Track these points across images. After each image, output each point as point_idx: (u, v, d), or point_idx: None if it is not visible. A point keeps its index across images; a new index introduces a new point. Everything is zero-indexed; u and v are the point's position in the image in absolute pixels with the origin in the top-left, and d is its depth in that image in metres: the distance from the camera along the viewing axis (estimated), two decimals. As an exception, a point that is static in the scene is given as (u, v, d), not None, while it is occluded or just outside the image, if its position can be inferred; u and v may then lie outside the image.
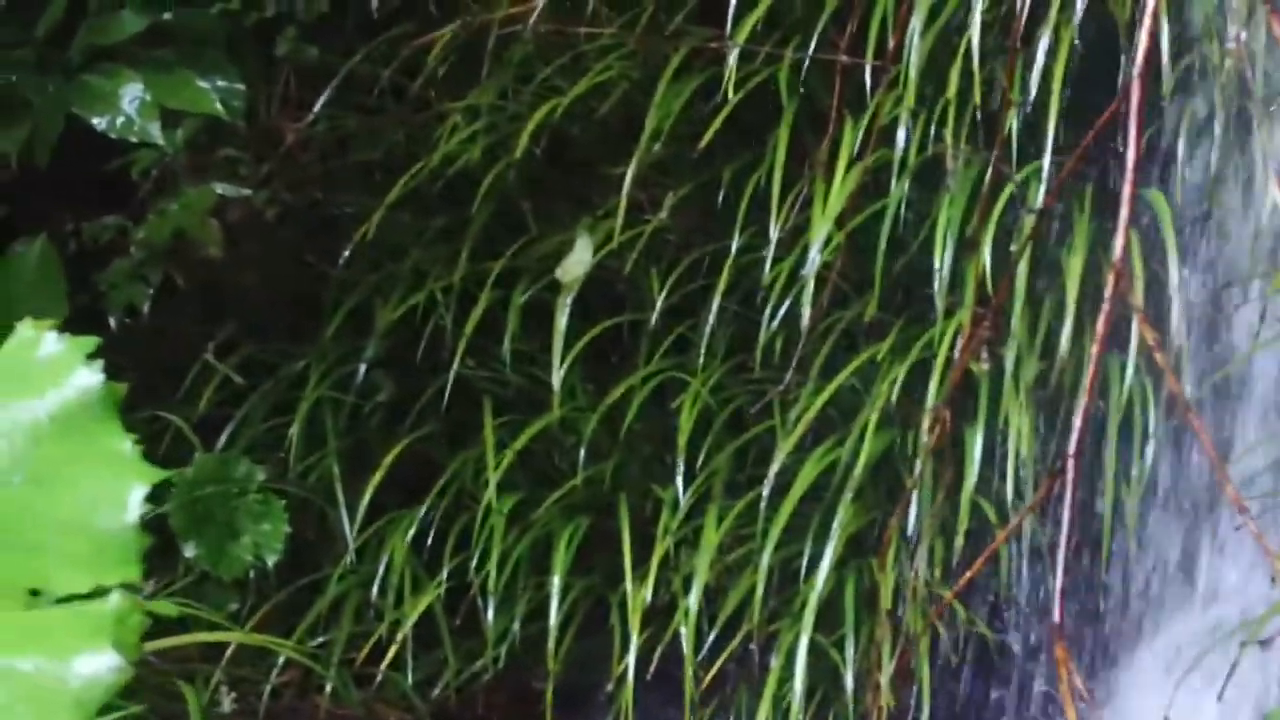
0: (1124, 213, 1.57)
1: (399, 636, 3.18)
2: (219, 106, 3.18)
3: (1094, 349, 1.55)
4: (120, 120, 3.07)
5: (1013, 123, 2.92)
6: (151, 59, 3.21)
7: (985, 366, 2.48)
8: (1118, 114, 1.61)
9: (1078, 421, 1.55)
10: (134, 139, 3.13)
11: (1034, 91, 2.96)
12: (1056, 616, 1.53)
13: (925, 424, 2.43)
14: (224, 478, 3.26)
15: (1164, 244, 2.88)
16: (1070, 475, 1.52)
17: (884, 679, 2.82)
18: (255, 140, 3.91)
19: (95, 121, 3.07)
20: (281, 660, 3.17)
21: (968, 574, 2.32)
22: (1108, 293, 1.54)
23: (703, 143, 3.19)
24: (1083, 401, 1.52)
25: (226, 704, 3.17)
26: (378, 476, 3.30)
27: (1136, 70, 1.59)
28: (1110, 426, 2.90)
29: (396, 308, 3.43)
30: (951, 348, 2.90)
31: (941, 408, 2.32)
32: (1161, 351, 1.90)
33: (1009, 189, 2.91)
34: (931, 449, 2.37)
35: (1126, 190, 1.57)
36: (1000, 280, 2.89)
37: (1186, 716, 2.70)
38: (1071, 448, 1.52)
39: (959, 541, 2.88)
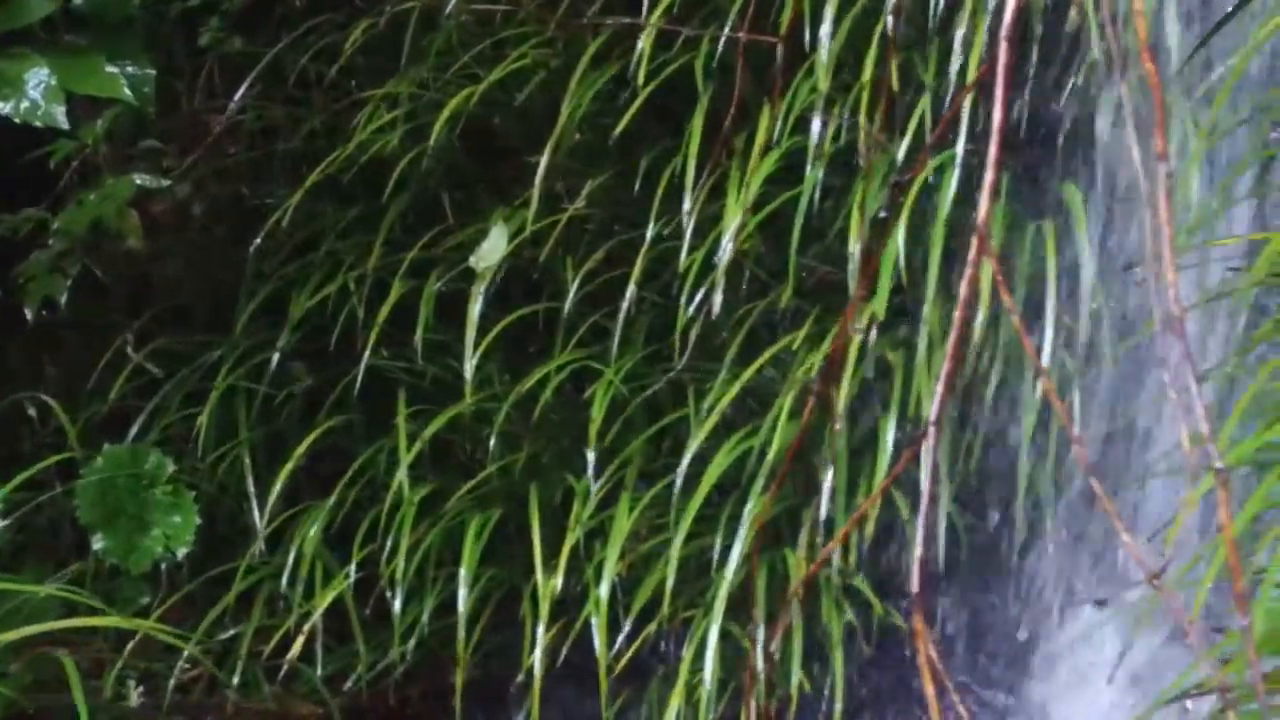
0: (989, 176, 1.54)
1: (307, 628, 3.13)
2: (128, 92, 3.14)
3: (957, 314, 1.51)
4: (24, 105, 3.03)
5: (925, 109, 2.90)
6: (60, 44, 3.16)
7: (858, 335, 2.44)
8: (988, 82, 1.58)
9: (940, 389, 1.52)
10: (38, 124, 3.08)
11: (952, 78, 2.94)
12: (915, 587, 1.50)
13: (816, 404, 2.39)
14: (134, 469, 3.22)
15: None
16: (932, 443, 1.49)
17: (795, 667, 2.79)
18: (180, 131, 3.88)
19: (-1, 106, 3.03)
20: (187, 652, 3.12)
21: (837, 538, 2.28)
22: (970, 256, 1.51)
23: (618, 130, 3.16)
24: (945, 367, 1.49)
25: (134, 697, 3.13)
26: (289, 466, 3.26)
27: (1004, 33, 1.56)
28: (1026, 410, 2.89)
29: (311, 297, 3.39)
30: (865, 334, 2.87)
31: (816, 382, 2.29)
32: (1020, 318, 1.87)
33: (923, 175, 2.88)
34: (807, 416, 2.33)
35: (992, 153, 1.54)
36: (916, 266, 2.87)
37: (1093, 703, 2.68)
38: (933, 415, 1.49)
39: (869, 530, 2.85)
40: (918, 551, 1.46)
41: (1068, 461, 2.86)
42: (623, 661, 3.02)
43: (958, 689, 3.01)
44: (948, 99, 2.92)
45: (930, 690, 1.50)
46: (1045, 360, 2.84)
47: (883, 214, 2.56)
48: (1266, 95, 2.65)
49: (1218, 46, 2.76)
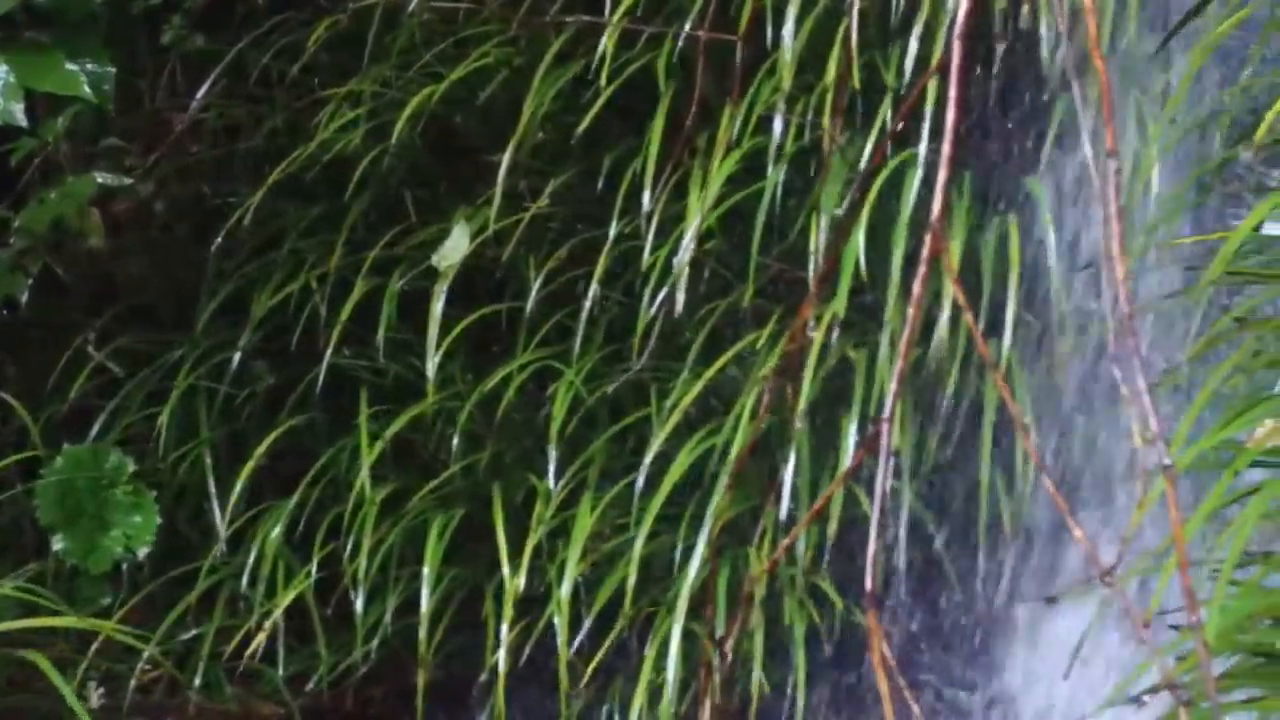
0: (942, 175, 1.54)
1: (268, 628, 3.12)
2: (87, 90, 3.13)
3: (911, 311, 1.52)
4: (-17, 102, 3.01)
5: (886, 109, 2.91)
6: (19, 41, 3.15)
7: (811, 333, 2.44)
8: (944, 72, 1.58)
9: (894, 386, 1.53)
10: (-3, 121, 3.07)
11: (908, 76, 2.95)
12: (870, 584, 1.50)
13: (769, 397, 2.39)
14: (94, 469, 3.20)
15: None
16: (885, 440, 1.49)
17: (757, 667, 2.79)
18: (142, 129, 3.86)
19: (-44, 103, 3.01)
20: (147, 654, 3.11)
21: (794, 532, 2.28)
22: (924, 254, 1.52)
23: (580, 128, 3.15)
24: (898, 365, 1.49)
25: (94, 699, 3.11)
26: (250, 466, 3.25)
27: (957, 30, 1.56)
28: (986, 412, 2.90)
29: (273, 296, 3.38)
30: (827, 334, 2.88)
31: (773, 376, 2.29)
32: (972, 315, 1.87)
33: (883, 174, 2.89)
34: (762, 415, 2.33)
35: (946, 150, 1.55)
36: (879, 266, 2.88)
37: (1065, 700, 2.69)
38: (887, 412, 1.49)
39: (832, 528, 2.85)
40: (872, 548, 1.47)
41: (1032, 461, 2.87)
42: (587, 661, 3.02)
43: (921, 687, 3.03)
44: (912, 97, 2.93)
45: (885, 689, 1.50)
46: (1006, 359, 2.86)
47: (840, 211, 2.56)
48: (1224, 95, 2.67)
49: (1176, 48, 2.77)
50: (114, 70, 3.19)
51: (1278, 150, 2.54)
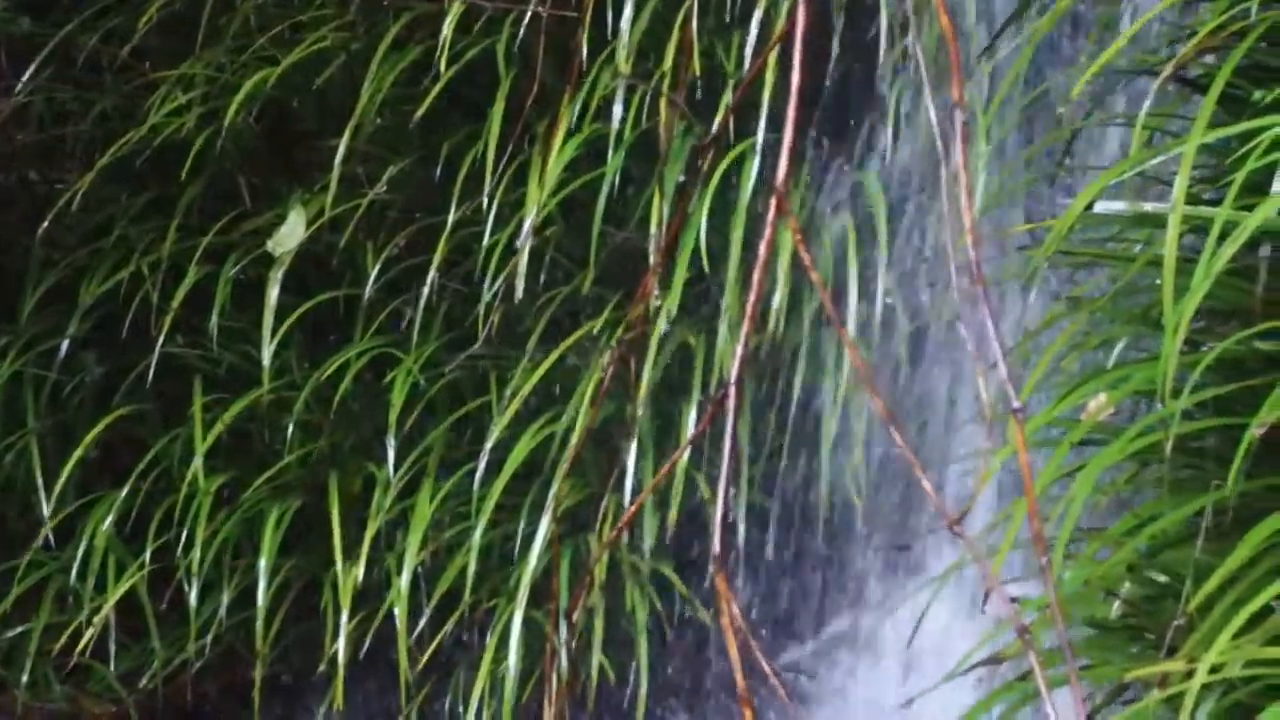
0: (787, 136, 1.54)
1: (99, 623, 3.05)
2: (-93, 70, 3.02)
3: (756, 275, 1.51)
4: None
5: (728, 96, 2.92)
6: None
7: (657, 303, 2.44)
8: (788, 43, 1.58)
9: (739, 350, 1.52)
10: None
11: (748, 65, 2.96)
12: (717, 547, 1.50)
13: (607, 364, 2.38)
14: (-86, 460, 3.10)
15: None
16: (732, 404, 1.49)
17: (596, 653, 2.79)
18: (-35, 115, 3.75)
19: None
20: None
21: (630, 511, 2.28)
22: (770, 217, 1.52)
23: (419, 114, 3.12)
24: (743, 329, 1.49)
25: (-85, 698, 3.02)
26: (78, 456, 3.17)
27: (801, -2, 1.56)
28: (829, 394, 2.92)
29: (103, 283, 3.30)
30: (667, 317, 2.88)
31: (619, 349, 2.28)
32: (817, 272, 1.88)
33: (724, 162, 2.90)
34: (604, 392, 2.32)
35: (791, 114, 1.55)
36: (720, 252, 2.89)
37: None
38: (732, 376, 1.49)
39: (673, 514, 2.86)
40: (721, 508, 1.46)
41: (870, 440, 2.90)
42: (426, 651, 2.99)
43: (756, 675, 3.03)
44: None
45: (734, 654, 1.49)
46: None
47: (682, 178, 2.57)
48: (1053, 78, 2.72)
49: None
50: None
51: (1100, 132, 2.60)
